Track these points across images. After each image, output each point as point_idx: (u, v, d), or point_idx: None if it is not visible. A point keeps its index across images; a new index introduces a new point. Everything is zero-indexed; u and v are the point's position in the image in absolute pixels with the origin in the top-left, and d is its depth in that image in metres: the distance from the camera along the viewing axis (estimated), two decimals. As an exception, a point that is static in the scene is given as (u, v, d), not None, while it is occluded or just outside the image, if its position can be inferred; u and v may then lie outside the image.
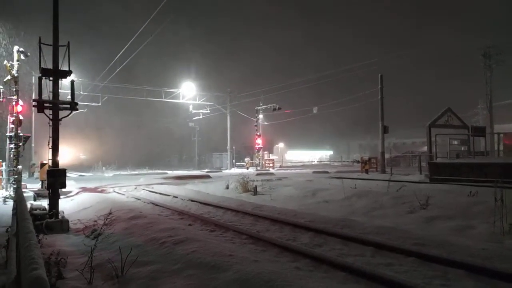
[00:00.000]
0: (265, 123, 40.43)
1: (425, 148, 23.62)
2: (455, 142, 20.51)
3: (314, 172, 29.05)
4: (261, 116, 38.37)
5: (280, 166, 44.16)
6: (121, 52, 21.94)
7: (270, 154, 48.56)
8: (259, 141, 38.04)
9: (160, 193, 13.72)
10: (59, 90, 8.16)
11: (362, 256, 5.01)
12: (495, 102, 33.30)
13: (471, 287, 3.80)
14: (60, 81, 8.15)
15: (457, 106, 22.78)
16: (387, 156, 27.23)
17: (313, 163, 56.88)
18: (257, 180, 16.02)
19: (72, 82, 8.54)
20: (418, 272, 4.26)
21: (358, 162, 31.18)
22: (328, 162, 57.21)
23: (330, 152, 70.38)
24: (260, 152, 38.78)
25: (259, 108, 37.69)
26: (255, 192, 12.91)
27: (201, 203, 10.70)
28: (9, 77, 13.25)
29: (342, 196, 10.37)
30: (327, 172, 27.49)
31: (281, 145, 63.71)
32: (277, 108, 36.59)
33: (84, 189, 15.94)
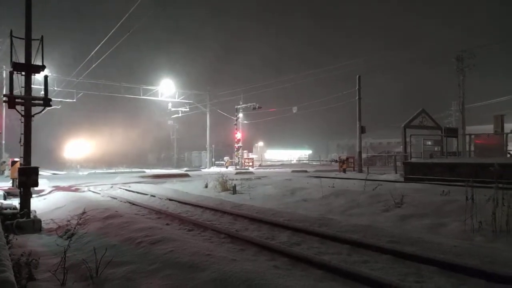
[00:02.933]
0: (245, 122, 40.41)
1: (401, 148, 24.24)
2: (429, 143, 21.16)
3: (293, 171, 29.27)
4: (241, 115, 38.34)
5: (260, 165, 44.28)
6: (97, 48, 21.41)
7: (250, 153, 48.62)
8: (238, 138, 37.98)
9: (137, 192, 13.48)
10: (32, 86, 7.87)
11: (339, 254, 5.08)
12: (467, 104, 34.51)
13: (443, 283, 3.91)
14: (33, 76, 7.87)
15: (431, 107, 23.49)
16: (364, 155, 27.79)
17: (292, 162, 57.33)
18: (236, 179, 15.99)
19: (46, 77, 8.27)
20: (393, 269, 4.36)
21: (336, 161, 31.67)
22: (307, 162, 57.83)
23: (309, 152, 71.16)
24: (240, 151, 38.76)
25: (239, 107, 37.63)
26: (234, 191, 12.88)
27: (179, 202, 10.58)
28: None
29: (320, 195, 10.49)
30: (306, 171, 27.75)
31: (260, 144, 63.90)
32: (256, 107, 36.66)
33: (58, 188, 15.46)
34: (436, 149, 21.55)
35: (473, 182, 6.68)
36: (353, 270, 4.13)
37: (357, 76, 25.58)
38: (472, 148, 20.86)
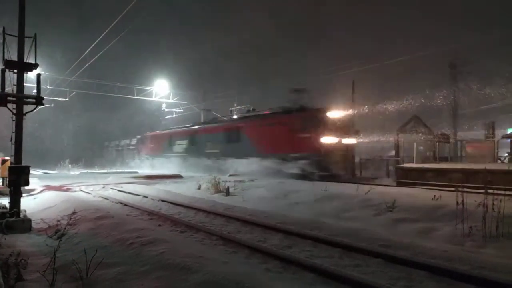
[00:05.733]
0: (239, 124, 40.32)
1: (393, 153, 24.40)
2: (421, 148, 21.32)
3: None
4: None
5: (253, 167, 44.16)
6: (91, 46, 21.23)
7: (243, 155, 48.51)
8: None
9: (129, 193, 13.39)
10: (24, 83, 7.80)
11: (331, 257, 5.09)
12: (459, 110, 34.92)
13: (433, 288, 3.94)
14: (25, 74, 7.80)
15: (424, 113, 23.67)
16: (356, 159, 27.85)
17: (286, 165, 57.22)
18: (229, 181, 15.94)
19: (39, 75, 8.18)
20: (384, 273, 4.38)
21: (329, 165, 31.65)
22: (300, 164, 57.75)
23: (303, 155, 71.21)
24: (233, 153, 38.68)
25: (233, 108, 37.57)
26: (227, 193, 12.85)
27: (172, 203, 10.52)
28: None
29: (313, 198, 10.50)
30: (299, 174, 27.74)
31: (254, 146, 63.80)
32: (251, 109, 36.62)
33: (48, 188, 15.29)
34: (428, 154, 21.73)
35: (464, 188, 6.75)
36: (345, 274, 4.14)
37: (352, 81, 25.71)
38: (464, 154, 21.08)
